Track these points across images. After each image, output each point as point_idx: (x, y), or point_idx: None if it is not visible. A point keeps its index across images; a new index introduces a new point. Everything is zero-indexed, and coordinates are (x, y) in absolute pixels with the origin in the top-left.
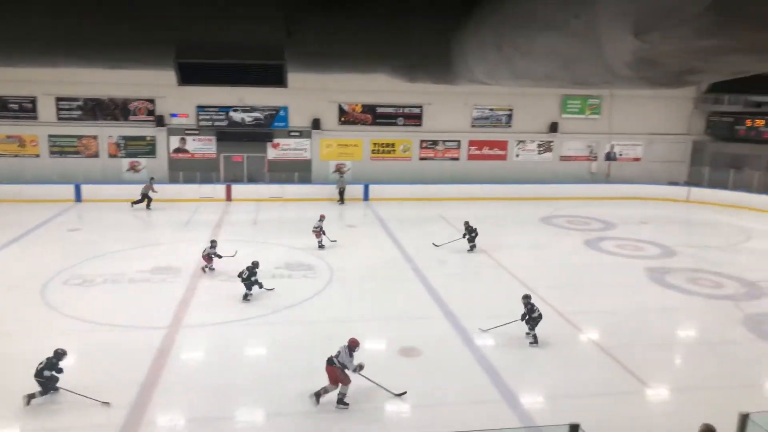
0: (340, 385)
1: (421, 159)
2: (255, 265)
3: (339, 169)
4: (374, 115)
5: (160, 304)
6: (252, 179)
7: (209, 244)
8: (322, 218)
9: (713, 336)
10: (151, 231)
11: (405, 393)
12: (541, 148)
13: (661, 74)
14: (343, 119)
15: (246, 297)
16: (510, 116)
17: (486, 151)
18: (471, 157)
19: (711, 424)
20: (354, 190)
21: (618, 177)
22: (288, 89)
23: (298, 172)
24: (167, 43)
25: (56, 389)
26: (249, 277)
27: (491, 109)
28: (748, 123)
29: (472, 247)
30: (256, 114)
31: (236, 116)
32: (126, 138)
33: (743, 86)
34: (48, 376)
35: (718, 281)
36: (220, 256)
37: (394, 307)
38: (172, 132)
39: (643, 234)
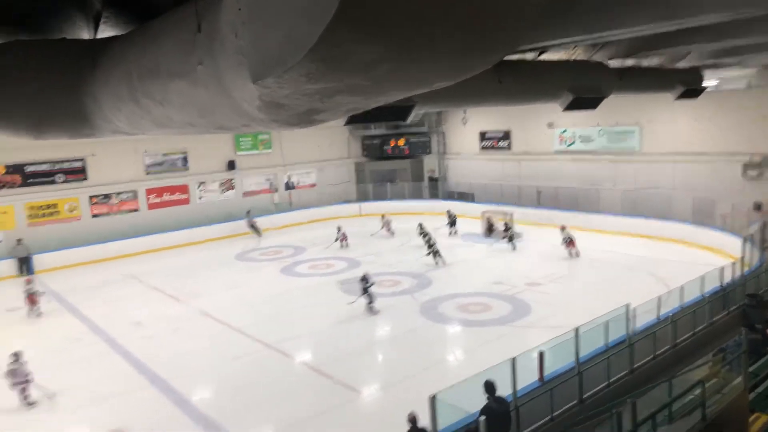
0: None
1: (94, 216)
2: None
3: None
4: (24, 175)
5: None
6: None
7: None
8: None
9: (400, 328)
10: None
11: None
12: (223, 187)
13: (290, 116)
14: None
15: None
16: (186, 159)
17: (167, 197)
18: (152, 206)
19: (413, 412)
20: (6, 266)
21: (299, 203)
22: None
23: None
24: None
25: None
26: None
27: (164, 154)
28: (392, 143)
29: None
30: None
31: None
32: None
33: (379, 114)
34: None
35: (395, 280)
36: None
37: (86, 389)
38: None
39: (331, 252)
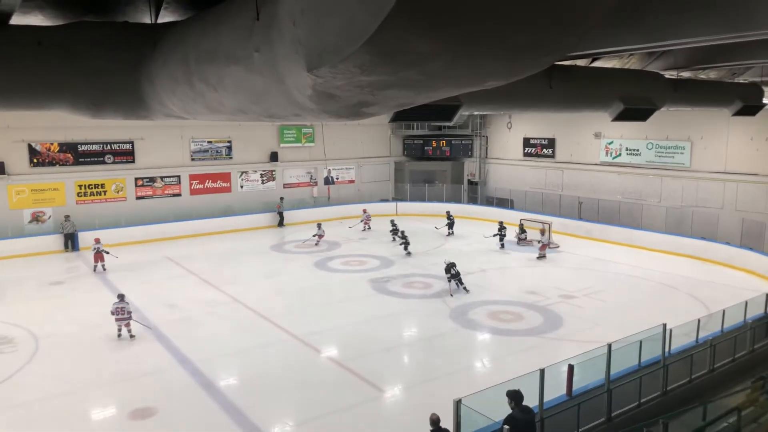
0: None
1: (138, 198)
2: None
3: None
4: (76, 154)
5: None
6: None
7: None
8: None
9: (429, 331)
10: None
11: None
12: (265, 178)
13: (340, 107)
14: (35, 161)
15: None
16: (230, 148)
17: (209, 184)
18: (194, 192)
19: (436, 413)
20: (52, 241)
21: (337, 199)
22: None
23: None
24: None
25: None
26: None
27: (210, 142)
28: (434, 144)
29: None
30: None
31: None
32: None
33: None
34: None
35: (427, 282)
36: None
37: (119, 366)
38: None
39: (364, 249)
